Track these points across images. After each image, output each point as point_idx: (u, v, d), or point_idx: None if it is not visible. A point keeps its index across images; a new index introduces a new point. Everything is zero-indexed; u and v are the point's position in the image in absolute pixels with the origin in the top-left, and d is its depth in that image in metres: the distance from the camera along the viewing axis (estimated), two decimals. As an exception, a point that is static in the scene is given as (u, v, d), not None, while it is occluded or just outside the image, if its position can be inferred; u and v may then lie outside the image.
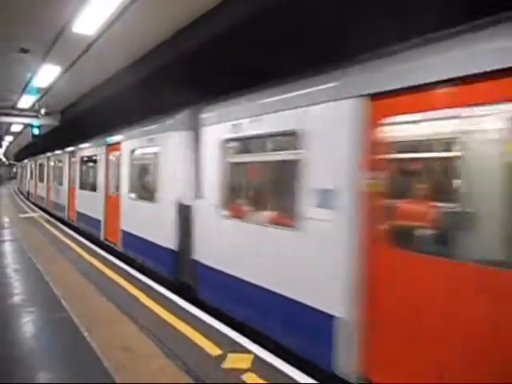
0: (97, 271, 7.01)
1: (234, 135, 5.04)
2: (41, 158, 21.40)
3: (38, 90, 11.47)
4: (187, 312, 5.03)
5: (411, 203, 3.42)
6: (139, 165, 8.29)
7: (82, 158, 12.86)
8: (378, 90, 3.24)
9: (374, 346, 3.23)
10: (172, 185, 6.51)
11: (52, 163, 18.03)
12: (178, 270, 6.30)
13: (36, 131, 15.64)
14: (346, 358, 3.39)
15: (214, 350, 3.97)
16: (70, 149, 14.43)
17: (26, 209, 18.88)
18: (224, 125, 5.20)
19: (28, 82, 10.70)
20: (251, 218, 4.86)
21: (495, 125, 2.67)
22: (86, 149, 12.26)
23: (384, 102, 3.23)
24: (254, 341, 4.17)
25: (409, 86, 3.02)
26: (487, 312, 2.61)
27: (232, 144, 5.21)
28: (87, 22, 6.23)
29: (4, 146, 34.89)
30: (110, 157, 9.92)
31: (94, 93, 11.33)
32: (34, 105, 13.86)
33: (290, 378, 3.45)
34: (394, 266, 3.19)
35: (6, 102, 13.93)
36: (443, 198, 3.21)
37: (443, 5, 3.85)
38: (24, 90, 11.71)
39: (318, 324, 3.65)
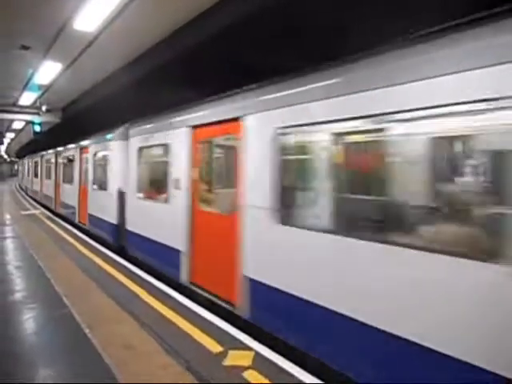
0: (97, 268, 7.03)
1: (144, 144, 7.75)
2: (36, 157, 23.71)
3: (39, 87, 11.47)
4: (187, 309, 5.04)
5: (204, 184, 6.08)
6: (98, 163, 10.81)
7: (64, 157, 15.26)
8: (194, 123, 5.93)
9: (195, 264, 5.81)
10: (115, 177, 9.14)
11: (44, 161, 20.41)
12: (119, 238, 8.92)
13: (37, 128, 15.65)
14: (184, 273, 5.95)
15: (214, 347, 3.98)
16: (57, 149, 16.65)
17: (28, 206, 18.91)
18: (139, 137, 7.92)
19: (29, 79, 10.71)
20: (151, 197, 7.51)
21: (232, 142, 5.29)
22: (68, 150, 14.63)
23: (196, 130, 5.91)
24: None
25: (202, 123, 5.75)
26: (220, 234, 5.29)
27: (143, 150, 7.88)
28: (88, 19, 6.24)
29: (5, 143, 35.01)
30: (82, 157, 12.39)
31: (95, 90, 11.33)
32: (35, 102, 13.87)
33: (291, 376, 3.46)
34: (200, 218, 5.80)
35: (7, 99, 13.94)
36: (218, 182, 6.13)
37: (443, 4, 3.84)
38: (25, 87, 11.72)
39: (174, 256, 6.17)
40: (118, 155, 9.08)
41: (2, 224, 12.18)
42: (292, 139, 4.31)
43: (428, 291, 2.83)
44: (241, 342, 4.10)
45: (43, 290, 5.78)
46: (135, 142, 8.05)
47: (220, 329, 4.44)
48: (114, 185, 9.12)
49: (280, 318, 4.12)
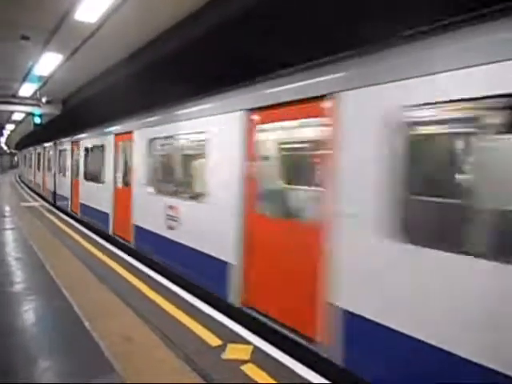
0: (97, 260, 7.03)
1: (61, 148, 15.76)
2: (25, 151, 33.42)
3: (39, 78, 11.39)
4: (187, 302, 5.04)
5: None
6: (47, 158, 19.42)
7: (37, 153, 24.03)
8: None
9: (74, 202, 12.21)
10: (52, 166, 17.43)
11: (29, 155, 29.35)
12: (55, 199, 16.66)
13: (37, 120, 15.57)
14: (68, 207, 12.86)
15: (213, 341, 3.99)
16: (36, 147, 24.87)
17: (27, 197, 18.91)
18: (62, 146, 15.71)
19: (29, 70, 10.64)
20: (64, 175, 15.16)
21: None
22: (38, 148, 23.17)
23: (76, 142, 13.66)
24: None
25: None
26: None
27: (61, 151, 15.89)
28: (89, 10, 6.17)
29: (5, 135, 34.88)
30: (46, 153, 20.13)
31: (96, 82, 11.26)
32: (35, 93, 13.79)
33: (291, 370, 3.46)
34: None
35: (6, 91, 13.86)
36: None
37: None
38: (25, 78, 11.64)
39: (65, 201, 15.29)
40: (53, 154, 17.32)
41: (1, 215, 12.17)
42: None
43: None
44: (240, 336, 4.11)
45: (43, 281, 5.78)
46: (58, 147, 16.05)
47: (219, 322, 4.44)
48: (52, 170, 17.41)
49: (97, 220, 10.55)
